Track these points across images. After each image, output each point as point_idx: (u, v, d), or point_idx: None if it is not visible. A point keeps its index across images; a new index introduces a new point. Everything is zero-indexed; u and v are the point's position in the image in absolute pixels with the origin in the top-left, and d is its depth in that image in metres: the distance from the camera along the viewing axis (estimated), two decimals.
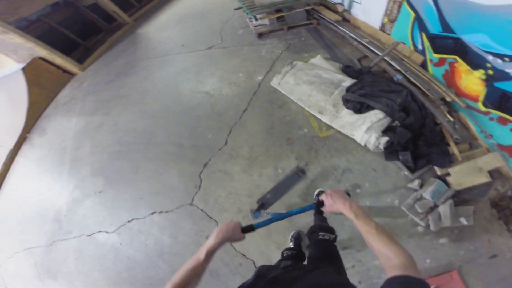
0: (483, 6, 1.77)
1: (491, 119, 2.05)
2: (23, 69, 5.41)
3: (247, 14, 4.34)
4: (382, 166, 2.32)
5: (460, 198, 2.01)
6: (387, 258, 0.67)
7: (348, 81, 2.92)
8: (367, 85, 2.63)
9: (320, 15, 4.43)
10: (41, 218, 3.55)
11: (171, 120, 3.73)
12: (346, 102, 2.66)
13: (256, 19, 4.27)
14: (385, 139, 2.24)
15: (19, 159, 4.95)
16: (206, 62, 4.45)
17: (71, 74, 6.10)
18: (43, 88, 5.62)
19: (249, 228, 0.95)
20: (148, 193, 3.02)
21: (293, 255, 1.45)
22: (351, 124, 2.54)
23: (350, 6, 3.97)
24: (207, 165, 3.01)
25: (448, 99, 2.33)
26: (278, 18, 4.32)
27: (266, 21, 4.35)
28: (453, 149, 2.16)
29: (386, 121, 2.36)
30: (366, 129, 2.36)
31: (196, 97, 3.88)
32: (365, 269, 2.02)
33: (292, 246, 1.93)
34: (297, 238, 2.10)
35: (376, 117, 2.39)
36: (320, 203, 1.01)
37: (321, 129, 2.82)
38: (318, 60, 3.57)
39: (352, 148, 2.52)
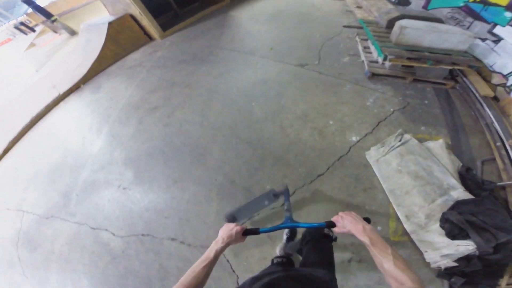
0: None
1: None
2: (110, 23, 5.23)
3: (374, 47, 3.33)
4: (430, 279, 2.03)
5: None
6: (400, 284, 0.69)
7: (458, 191, 2.21)
8: (482, 214, 2.07)
9: (465, 79, 3.23)
10: (50, 185, 3.26)
11: (233, 145, 3.01)
12: (445, 221, 2.12)
13: (385, 59, 3.19)
14: (453, 264, 1.94)
15: (63, 105, 4.77)
16: (292, 83, 3.58)
17: (150, 39, 5.81)
18: (118, 45, 5.41)
19: (254, 232, 0.95)
20: (176, 215, 2.57)
21: (284, 262, 1.37)
22: (432, 243, 2.09)
23: None
24: (252, 219, 2.39)
25: None
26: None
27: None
28: (503, 282, 1.92)
29: (469, 252, 1.94)
30: (444, 254, 1.97)
31: (269, 128, 3.08)
32: None
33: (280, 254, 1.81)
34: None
35: (465, 248, 1.93)
36: (331, 224, 0.96)
37: (396, 233, 2.21)
38: (438, 147, 2.51)
39: (414, 259, 2.10)
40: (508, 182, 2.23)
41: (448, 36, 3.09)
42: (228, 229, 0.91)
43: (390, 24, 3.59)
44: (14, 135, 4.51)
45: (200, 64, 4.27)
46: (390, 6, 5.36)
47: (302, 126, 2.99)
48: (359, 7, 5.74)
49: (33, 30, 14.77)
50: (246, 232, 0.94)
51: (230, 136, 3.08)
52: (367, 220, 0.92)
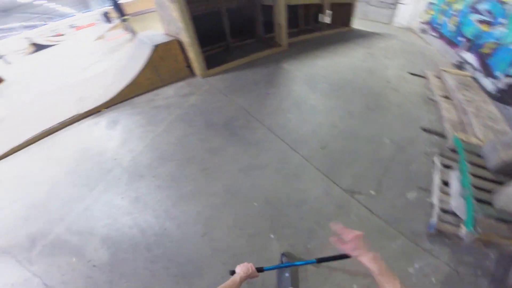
0: None
1: None
2: (156, 46, 4.77)
3: (465, 204, 2.18)
4: None
5: None
6: None
7: None
8: None
9: None
10: (22, 220, 2.93)
11: None
12: None
13: (475, 231, 2.01)
14: None
15: (75, 127, 4.37)
16: (331, 221, 2.50)
17: (192, 73, 5.29)
18: (156, 74, 4.95)
19: (260, 269, 1.12)
20: None
21: None
22: None
23: None
24: None
25: None
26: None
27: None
28: None
29: None
30: None
31: None
32: None
33: None
34: None
35: None
36: (321, 260, 1.07)
37: None
38: None
39: None
40: None
41: None
42: (244, 266, 1.06)
43: (504, 168, 2.39)
44: (15, 145, 4.25)
45: (230, 140, 3.44)
46: (491, 107, 4.00)
47: None
48: (446, 97, 4.47)
49: (110, 21, 16.05)
50: (257, 269, 1.09)
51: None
52: None
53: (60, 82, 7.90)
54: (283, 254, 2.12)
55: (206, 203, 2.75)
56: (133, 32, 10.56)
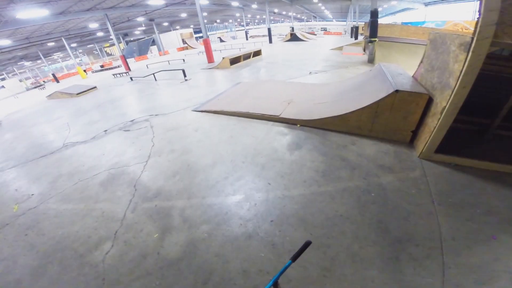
0: None
1: None
2: (397, 92, 3.75)
3: None
4: None
5: None
6: None
7: None
8: None
9: None
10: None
11: None
12: None
13: None
14: None
15: (267, 126, 4.63)
16: None
17: (409, 141, 3.94)
18: (370, 121, 4.08)
19: None
20: None
21: None
22: None
23: None
24: None
25: None
26: None
27: None
28: None
29: None
30: None
31: None
32: None
33: None
34: None
35: None
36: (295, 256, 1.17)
37: None
38: None
39: None
40: None
41: None
42: None
43: None
44: (224, 109, 5.13)
45: (385, 261, 1.94)
46: None
47: None
48: None
49: (356, 37, 16.72)
50: None
51: None
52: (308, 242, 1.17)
53: (289, 75, 9.07)
54: None
55: None
56: (371, 56, 10.11)
